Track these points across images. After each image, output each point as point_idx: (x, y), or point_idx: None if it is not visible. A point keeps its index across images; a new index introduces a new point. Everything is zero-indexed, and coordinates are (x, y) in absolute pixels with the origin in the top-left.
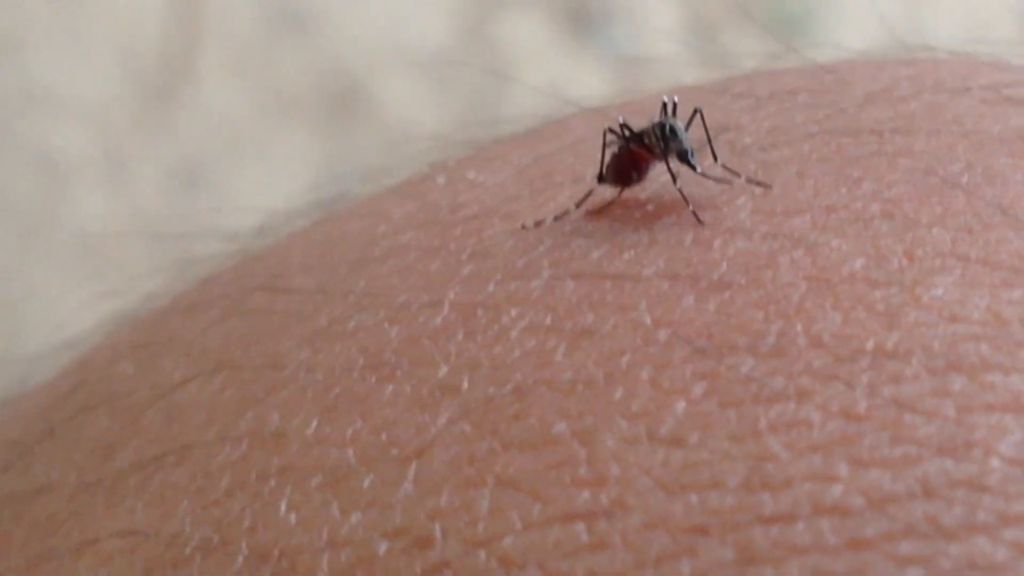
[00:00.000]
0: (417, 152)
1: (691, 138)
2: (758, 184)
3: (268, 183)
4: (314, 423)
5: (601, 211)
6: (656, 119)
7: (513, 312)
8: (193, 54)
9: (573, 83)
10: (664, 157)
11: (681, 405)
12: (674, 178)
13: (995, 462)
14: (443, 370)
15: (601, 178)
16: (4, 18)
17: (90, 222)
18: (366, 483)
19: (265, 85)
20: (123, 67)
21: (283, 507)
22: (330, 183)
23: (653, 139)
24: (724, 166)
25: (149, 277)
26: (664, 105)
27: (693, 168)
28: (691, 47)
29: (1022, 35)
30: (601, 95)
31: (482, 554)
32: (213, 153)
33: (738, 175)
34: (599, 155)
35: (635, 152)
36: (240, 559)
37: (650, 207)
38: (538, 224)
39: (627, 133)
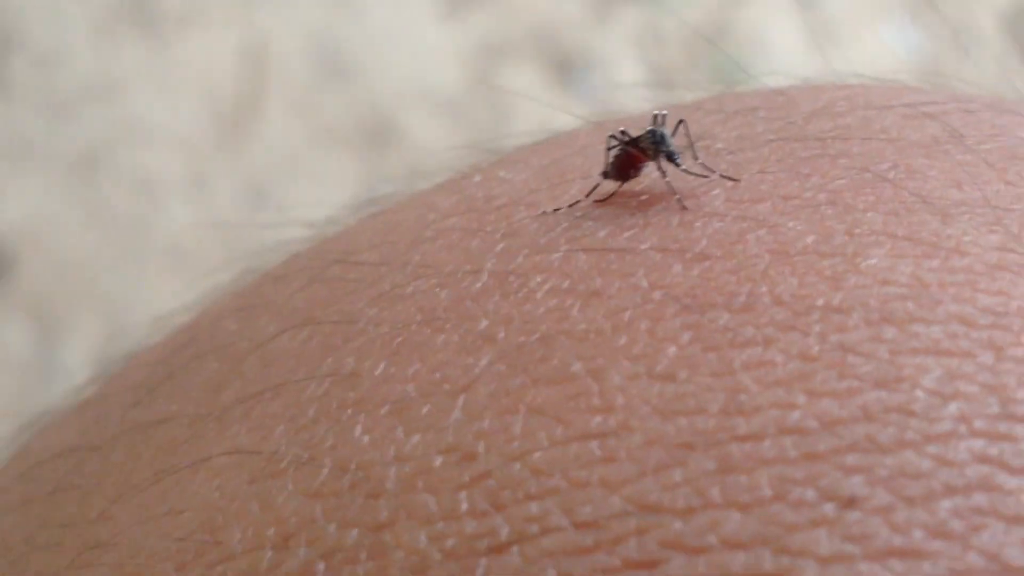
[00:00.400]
0: (437, 164)
1: (676, 143)
2: (729, 179)
3: (318, 198)
4: (382, 365)
5: (606, 200)
6: (649, 127)
7: (538, 278)
8: (259, 95)
9: (560, 119)
10: (655, 158)
11: (672, 349)
12: (663, 174)
13: (919, 393)
14: (483, 323)
15: (605, 174)
16: (109, 67)
17: (178, 229)
18: (424, 411)
19: (316, 121)
20: (204, 105)
21: (358, 431)
22: (367, 194)
23: (647, 143)
24: (702, 164)
25: (224, 268)
26: (655, 117)
27: (678, 166)
28: (652, 91)
29: (909, 80)
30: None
31: (517, 465)
32: (275, 174)
33: (713, 172)
34: (604, 156)
35: (632, 154)
36: (325, 471)
37: (644, 197)
38: (556, 211)
39: (626, 138)
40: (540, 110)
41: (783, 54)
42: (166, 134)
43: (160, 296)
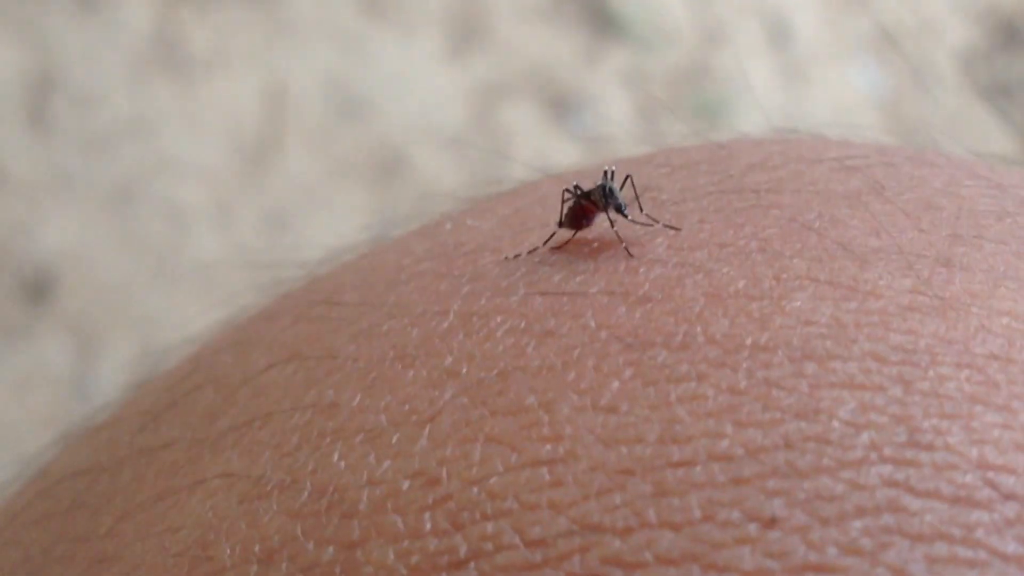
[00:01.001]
0: (437, 205)
1: (624, 195)
2: (671, 228)
3: (333, 227)
4: (358, 397)
5: (561, 247)
6: (599, 182)
7: (498, 319)
8: (280, 133)
9: (554, 152)
10: (605, 209)
11: (615, 384)
12: (612, 224)
13: (835, 423)
14: (448, 360)
15: (561, 224)
16: (142, 107)
17: (205, 255)
18: (394, 439)
19: (332, 155)
20: (229, 142)
21: (335, 456)
22: (374, 227)
23: (598, 196)
24: (647, 215)
25: (245, 295)
26: (605, 172)
27: (625, 217)
28: (637, 127)
29: (875, 118)
30: (573, 160)
31: (475, 489)
32: (295, 205)
33: (657, 221)
34: (560, 208)
35: (585, 206)
36: (305, 493)
37: (595, 244)
38: (516, 256)
39: (579, 192)
40: (536, 143)
41: (759, 91)
42: (194, 168)
43: (189, 316)
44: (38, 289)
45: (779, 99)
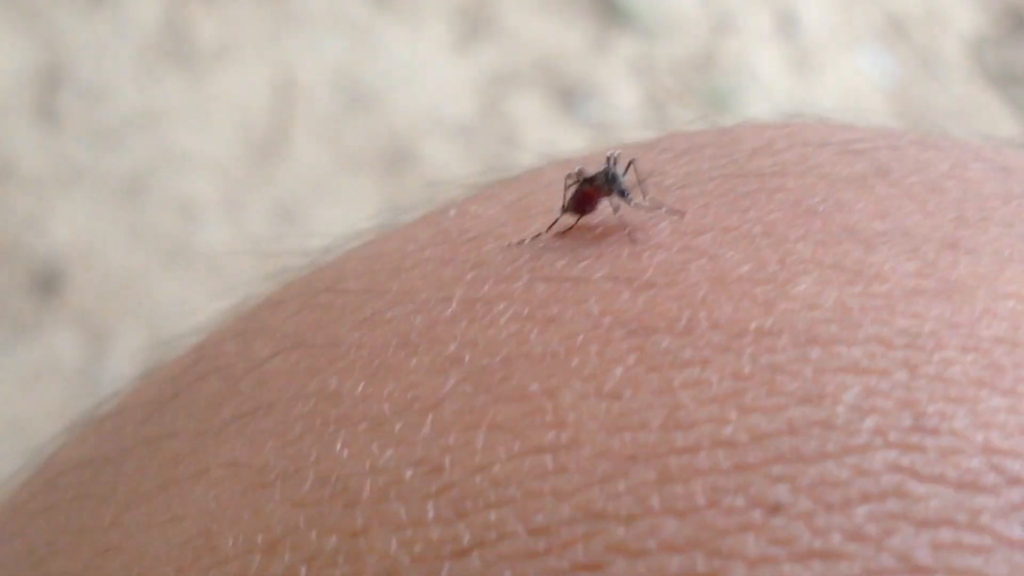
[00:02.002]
0: (442, 193)
1: (628, 180)
2: (675, 212)
3: (342, 218)
4: (361, 385)
5: (564, 233)
6: (603, 167)
7: (501, 305)
8: (288, 125)
9: (563, 142)
10: (609, 194)
11: (619, 370)
12: (615, 210)
13: (840, 408)
14: (451, 347)
15: (564, 210)
16: (151, 100)
17: (215, 246)
18: (397, 427)
19: (340, 147)
20: (238, 134)
21: (338, 445)
22: (381, 216)
23: (601, 182)
24: (651, 200)
25: (254, 283)
26: (608, 158)
27: (629, 202)
28: (646, 116)
29: (883, 105)
30: (580, 148)
31: (478, 477)
32: (303, 196)
33: (661, 206)
34: (564, 193)
35: (588, 191)
36: (308, 482)
37: (598, 230)
38: (520, 243)
39: (582, 178)
40: (545, 133)
41: (767, 80)
42: (203, 160)
43: (199, 308)
44: (48, 282)
45: (788, 87)
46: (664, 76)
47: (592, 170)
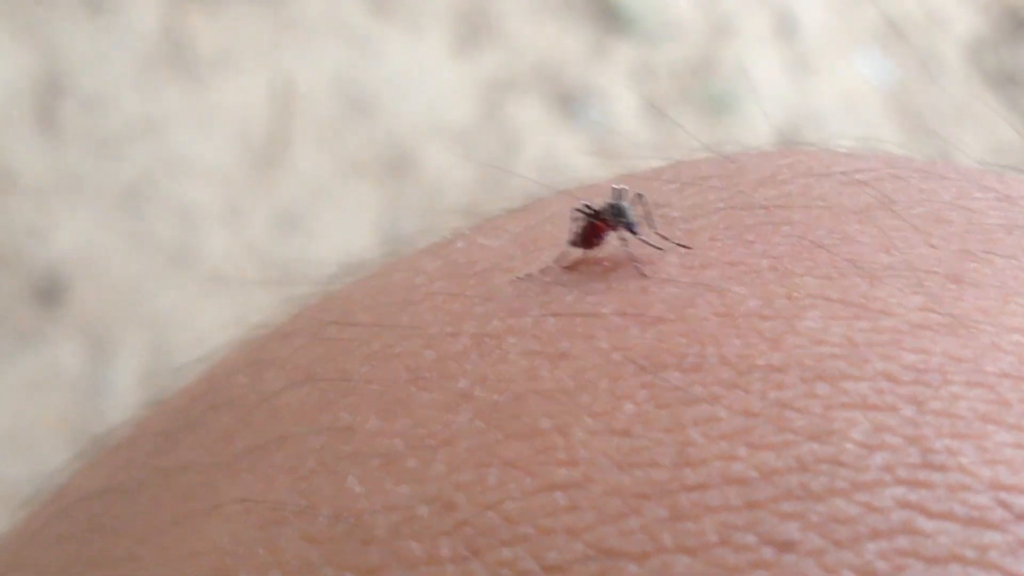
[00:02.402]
0: (447, 220)
1: (635, 214)
2: (682, 246)
3: (343, 225)
4: (373, 420)
5: (572, 267)
6: (610, 200)
7: (511, 340)
8: (288, 132)
9: (563, 148)
10: (616, 228)
11: (629, 406)
12: (623, 243)
13: (848, 445)
14: (462, 382)
15: (572, 243)
16: (151, 108)
17: (217, 255)
18: (409, 464)
19: (340, 154)
20: (238, 141)
21: (352, 481)
22: (384, 228)
23: (608, 215)
24: (658, 233)
25: (258, 302)
26: (615, 191)
27: (636, 236)
28: (646, 122)
29: (882, 108)
30: (582, 156)
31: (491, 514)
32: (304, 203)
33: (668, 240)
34: (570, 227)
35: (596, 225)
36: (322, 519)
37: (607, 264)
38: (528, 276)
39: (590, 211)
40: (544, 139)
41: (766, 83)
42: (204, 168)
43: (201, 316)
44: (50, 292)
45: (787, 91)
46: (664, 81)
47: (599, 203)
